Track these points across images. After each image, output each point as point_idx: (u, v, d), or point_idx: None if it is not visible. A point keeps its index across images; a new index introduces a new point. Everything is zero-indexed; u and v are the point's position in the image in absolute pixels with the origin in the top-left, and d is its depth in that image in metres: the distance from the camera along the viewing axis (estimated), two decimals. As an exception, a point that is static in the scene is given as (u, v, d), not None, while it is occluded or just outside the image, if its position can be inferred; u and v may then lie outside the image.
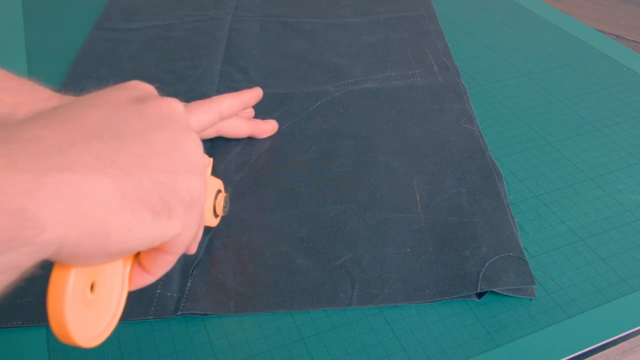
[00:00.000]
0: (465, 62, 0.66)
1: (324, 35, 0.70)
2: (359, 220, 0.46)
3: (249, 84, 0.59)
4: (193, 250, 0.37)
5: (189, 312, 0.39)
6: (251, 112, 0.56)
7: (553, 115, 0.58)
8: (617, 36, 0.77)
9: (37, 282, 0.40)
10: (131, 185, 0.25)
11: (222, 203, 0.42)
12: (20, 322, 0.39)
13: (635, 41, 0.76)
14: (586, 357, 0.38)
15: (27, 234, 0.21)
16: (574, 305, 0.40)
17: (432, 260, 0.43)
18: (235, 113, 0.52)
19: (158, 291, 0.40)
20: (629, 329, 0.39)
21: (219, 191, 0.43)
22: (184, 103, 0.43)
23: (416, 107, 0.58)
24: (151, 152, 0.27)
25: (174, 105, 0.30)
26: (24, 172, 0.21)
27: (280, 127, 0.55)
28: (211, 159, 0.41)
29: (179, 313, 0.39)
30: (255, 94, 0.54)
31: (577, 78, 0.64)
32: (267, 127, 0.54)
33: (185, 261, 0.42)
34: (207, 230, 0.45)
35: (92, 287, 0.28)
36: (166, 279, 0.41)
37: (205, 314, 0.40)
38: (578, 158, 0.53)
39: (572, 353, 0.37)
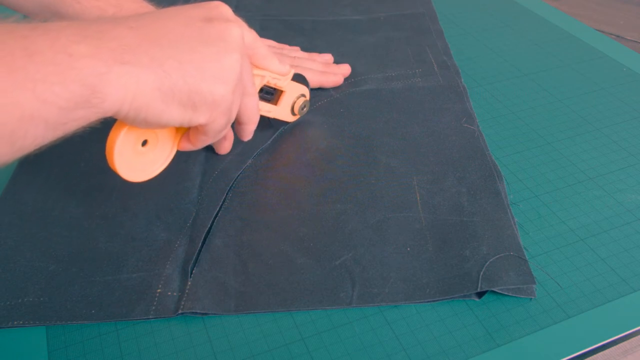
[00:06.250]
0: (465, 62, 0.66)
1: (324, 35, 0.70)
2: (359, 220, 0.46)
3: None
4: (246, 137, 0.48)
5: (189, 311, 0.39)
6: (330, 57, 0.64)
7: (553, 115, 0.58)
8: (617, 36, 0.77)
9: (37, 282, 0.41)
10: (167, 82, 0.35)
11: (300, 104, 0.54)
12: (20, 322, 0.39)
13: (635, 41, 0.76)
14: (586, 357, 0.38)
15: (93, 101, 0.31)
16: (574, 305, 0.40)
17: (432, 259, 0.43)
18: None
19: (158, 290, 0.40)
20: (629, 329, 0.39)
21: (303, 95, 0.53)
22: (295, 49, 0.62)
23: (416, 107, 0.58)
24: (193, 61, 0.36)
25: (232, 29, 0.39)
26: (101, 61, 0.31)
27: (280, 127, 0.55)
28: (292, 70, 0.51)
29: (179, 312, 0.39)
30: (342, 71, 0.62)
31: (577, 78, 0.64)
32: (335, 79, 0.60)
33: (185, 259, 0.42)
34: (207, 229, 0.45)
35: (145, 143, 0.41)
36: (166, 278, 0.41)
37: (206, 314, 0.40)
38: (578, 158, 0.53)
39: (572, 353, 0.38)
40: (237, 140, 0.53)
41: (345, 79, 0.62)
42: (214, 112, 0.39)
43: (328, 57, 0.64)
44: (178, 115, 0.37)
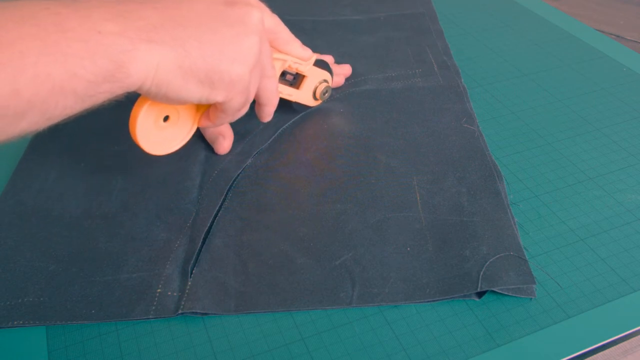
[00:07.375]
0: (465, 62, 0.66)
1: (325, 35, 0.70)
2: (359, 220, 0.46)
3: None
4: (266, 118, 0.50)
5: (189, 311, 0.39)
6: (331, 58, 0.62)
7: (553, 115, 0.58)
8: (617, 36, 0.77)
9: (37, 282, 0.41)
10: (187, 61, 0.37)
11: (322, 90, 0.55)
12: (20, 322, 0.39)
13: (635, 41, 0.76)
14: (586, 357, 0.38)
15: (119, 75, 0.34)
16: (574, 305, 0.40)
17: (432, 259, 0.43)
18: None
19: (158, 290, 0.40)
20: (629, 329, 0.39)
21: (325, 81, 0.55)
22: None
23: (416, 107, 0.58)
24: (213, 41, 0.38)
25: (252, 13, 0.41)
26: (127, 39, 0.34)
27: (280, 127, 0.55)
28: (314, 56, 0.52)
29: (179, 312, 0.39)
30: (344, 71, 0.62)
31: (577, 78, 0.64)
32: (336, 79, 0.60)
33: (185, 259, 0.42)
34: (207, 229, 0.45)
35: (166, 119, 0.43)
36: (166, 278, 0.41)
37: (206, 314, 0.40)
38: (578, 158, 0.53)
39: (572, 353, 0.38)
40: (237, 140, 0.53)
41: (346, 79, 0.62)
42: (232, 91, 0.41)
43: (329, 58, 0.64)
44: (196, 92, 0.39)
